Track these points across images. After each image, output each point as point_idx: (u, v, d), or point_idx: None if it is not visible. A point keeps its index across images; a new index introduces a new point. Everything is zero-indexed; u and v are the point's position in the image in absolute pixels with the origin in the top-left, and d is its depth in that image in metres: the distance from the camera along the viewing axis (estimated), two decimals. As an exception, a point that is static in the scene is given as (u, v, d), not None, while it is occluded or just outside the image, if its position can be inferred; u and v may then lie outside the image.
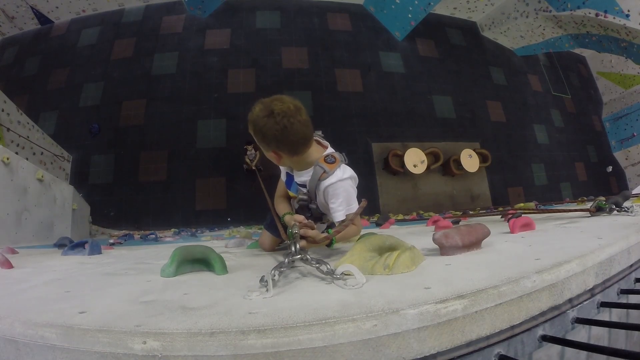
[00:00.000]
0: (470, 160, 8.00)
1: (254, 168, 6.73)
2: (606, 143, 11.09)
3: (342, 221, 1.31)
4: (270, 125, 1.19)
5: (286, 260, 0.90)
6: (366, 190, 7.54)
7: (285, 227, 1.38)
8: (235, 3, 9.04)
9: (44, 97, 7.91)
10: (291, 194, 1.54)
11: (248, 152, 6.91)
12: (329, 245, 1.30)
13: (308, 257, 0.92)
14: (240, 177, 7.12)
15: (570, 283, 0.78)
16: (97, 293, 0.87)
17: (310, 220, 1.28)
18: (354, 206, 1.33)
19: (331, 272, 0.83)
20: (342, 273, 0.81)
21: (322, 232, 1.31)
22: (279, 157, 1.33)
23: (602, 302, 0.86)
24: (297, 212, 1.50)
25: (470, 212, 5.21)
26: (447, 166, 8.12)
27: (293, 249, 0.97)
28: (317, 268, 0.87)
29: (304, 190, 1.43)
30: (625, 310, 1.01)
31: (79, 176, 7.04)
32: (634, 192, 3.59)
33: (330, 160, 1.33)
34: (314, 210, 1.47)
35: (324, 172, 1.31)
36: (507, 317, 0.66)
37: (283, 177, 1.53)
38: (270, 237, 1.68)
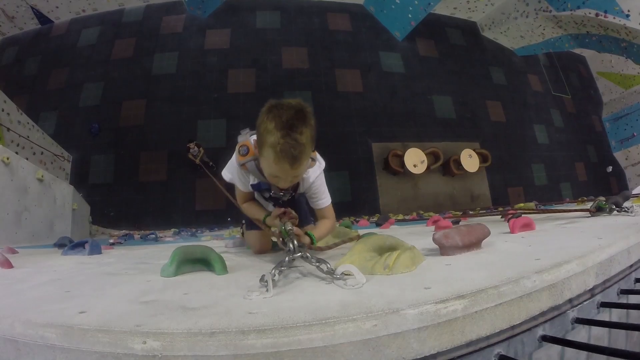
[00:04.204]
0: (470, 160, 8.00)
1: (198, 163, 6.86)
2: (606, 143, 11.09)
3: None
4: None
5: (287, 258, 0.89)
6: (366, 190, 7.56)
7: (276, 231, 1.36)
8: (235, 3, 9.04)
9: (44, 97, 7.92)
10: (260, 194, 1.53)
11: (191, 150, 6.93)
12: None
13: (308, 255, 0.92)
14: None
15: (570, 283, 0.78)
16: (97, 293, 0.87)
17: (288, 209, 1.32)
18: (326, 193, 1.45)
19: (331, 272, 0.83)
20: (342, 273, 0.81)
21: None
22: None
23: (602, 302, 0.86)
24: (269, 201, 1.52)
25: (470, 212, 5.21)
26: (447, 166, 8.11)
27: (291, 246, 0.97)
28: (318, 267, 0.87)
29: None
30: (625, 310, 1.01)
31: (79, 176, 7.05)
32: (634, 192, 3.59)
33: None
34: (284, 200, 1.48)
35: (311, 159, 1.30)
36: (507, 317, 0.66)
37: (244, 188, 1.48)
38: (259, 233, 1.56)
